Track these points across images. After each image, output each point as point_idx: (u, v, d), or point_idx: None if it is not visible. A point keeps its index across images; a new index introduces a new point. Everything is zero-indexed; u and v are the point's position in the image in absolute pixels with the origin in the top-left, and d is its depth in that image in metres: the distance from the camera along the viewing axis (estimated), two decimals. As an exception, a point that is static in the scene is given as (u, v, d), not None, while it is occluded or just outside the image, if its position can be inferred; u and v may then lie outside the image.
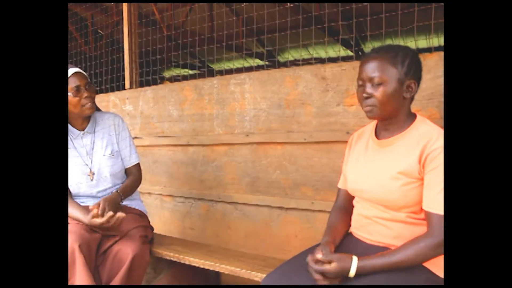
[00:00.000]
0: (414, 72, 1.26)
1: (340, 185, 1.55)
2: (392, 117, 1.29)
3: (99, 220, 1.69)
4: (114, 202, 1.84)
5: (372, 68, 1.25)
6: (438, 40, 4.19)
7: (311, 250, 1.44)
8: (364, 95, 1.27)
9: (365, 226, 1.37)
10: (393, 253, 1.19)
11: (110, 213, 1.69)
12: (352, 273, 1.18)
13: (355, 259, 1.19)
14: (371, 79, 1.25)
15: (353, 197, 1.47)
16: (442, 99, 1.75)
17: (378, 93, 1.24)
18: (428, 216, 1.18)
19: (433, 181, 1.17)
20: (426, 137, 1.21)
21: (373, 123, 1.42)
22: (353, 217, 1.45)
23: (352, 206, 1.49)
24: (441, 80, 1.75)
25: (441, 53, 1.76)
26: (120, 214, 1.70)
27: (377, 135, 1.37)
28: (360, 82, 1.29)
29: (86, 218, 1.74)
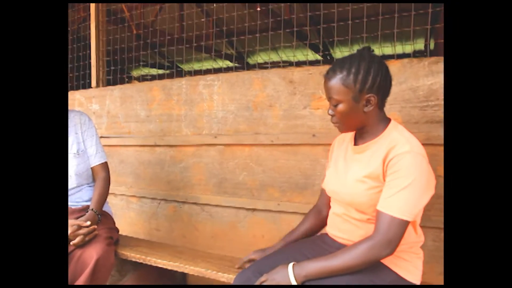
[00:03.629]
0: (370, 87, 1.25)
1: (323, 184, 1.60)
2: (363, 127, 1.34)
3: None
4: (93, 222, 1.82)
5: (328, 89, 1.30)
6: (402, 48, 4.35)
7: (283, 250, 1.49)
8: (329, 113, 1.33)
9: (337, 225, 1.42)
10: (332, 257, 1.23)
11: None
12: (292, 279, 1.24)
13: (290, 266, 1.26)
14: (330, 99, 1.31)
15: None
16: (404, 104, 1.82)
17: (337, 113, 1.30)
18: (378, 216, 1.21)
19: (390, 183, 1.21)
20: (392, 143, 1.24)
21: None
22: (328, 217, 1.50)
23: (329, 207, 1.55)
24: (403, 86, 1.82)
25: (404, 60, 1.84)
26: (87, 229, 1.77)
27: (356, 140, 1.41)
28: (327, 99, 1.34)
29: None
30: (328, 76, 1.30)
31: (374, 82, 1.25)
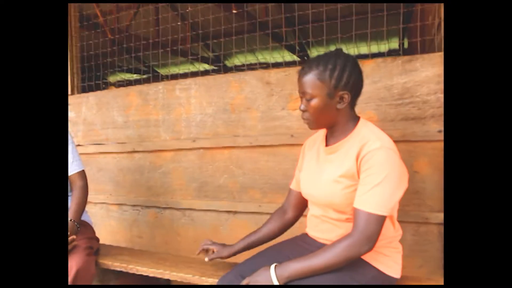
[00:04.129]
0: (345, 83, 1.26)
1: (291, 185, 1.60)
2: (333, 125, 1.34)
3: None
4: (71, 233, 1.78)
5: (302, 84, 1.30)
6: (377, 47, 4.41)
7: (264, 252, 1.49)
8: (301, 108, 1.33)
9: (317, 225, 1.43)
10: (313, 256, 1.24)
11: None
12: (274, 280, 1.24)
13: (272, 267, 1.26)
14: (303, 94, 1.31)
15: (300, 199, 1.54)
16: (379, 103, 1.85)
17: (310, 108, 1.30)
18: (355, 214, 1.23)
19: (364, 180, 1.23)
20: (363, 140, 1.26)
21: (324, 129, 1.47)
22: (307, 218, 1.51)
23: (298, 208, 1.57)
24: (378, 85, 1.85)
25: (378, 60, 1.87)
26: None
27: (327, 141, 1.41)
28: (300, 95, 1.34)
29: None
30: (303, 71, 1.31)
31: (348, 80, 1.27)
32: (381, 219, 1.20)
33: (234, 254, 1.58)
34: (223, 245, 1.61)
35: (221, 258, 1.60)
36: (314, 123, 1.33)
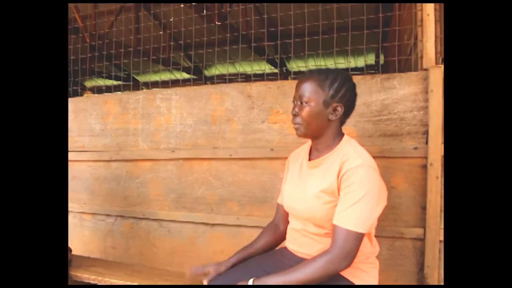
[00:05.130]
0: (342, 96, 1.31)
1: (278, 200, 1.61)
2: (319, 137, 1.36)
3: None
4: None
5: (301, 88, 1.33)
6: (355, 62, 4.53)
7: (242, 265, 1.48)
8: (293, 112, 1.35)
9: (296, 239, 1.43)
10: (292, 271, 1.24)
11: None
12: None
13: (250, 282, 1.26)
14: (300, 98, 1.33)
15: (288, 213, 1.53)
16: (358, 119, 1.89)
17: (304, 112, 1.32)
18: (334, 230, 1.24)
19: (344, 197, 1.25)
20: (345, 157, 1.28)
21: (309, 143, 1.48)
22: (287, 231, 1.51)
23: (287, 222, 1.56)
24: (358, 101, 1.85)
25: (357, 77, 1.90)
26: None
27: (310, 155, 1.43)
28: (294, 101, 1.36)
29: None
30: (305, 76, 1.35)
31: (345, 95, 1.32)
32: (360, 236, 1.21)
33: (232, 267, 1.51)
34: (217, 262, 1.55)
35: (219, 274, 1.50)
36: (303, 129, 1.34)
